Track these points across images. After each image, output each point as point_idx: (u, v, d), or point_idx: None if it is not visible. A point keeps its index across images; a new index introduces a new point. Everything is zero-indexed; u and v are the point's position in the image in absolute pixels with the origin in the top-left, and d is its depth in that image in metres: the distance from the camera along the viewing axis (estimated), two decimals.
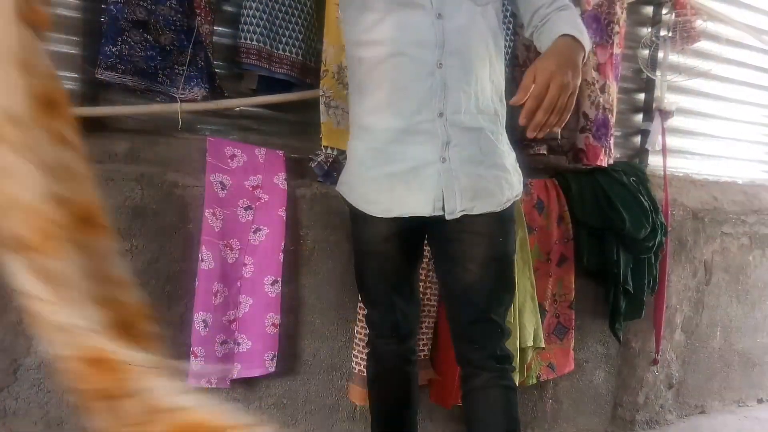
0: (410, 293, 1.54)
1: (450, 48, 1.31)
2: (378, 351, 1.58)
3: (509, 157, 1.45)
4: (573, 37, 1.24)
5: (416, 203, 1.34)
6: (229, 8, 1.80)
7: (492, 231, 1.37)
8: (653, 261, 2.37)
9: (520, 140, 2.19)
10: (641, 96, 2.74)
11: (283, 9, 1.73)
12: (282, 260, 1.71)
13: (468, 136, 1.34)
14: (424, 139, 1.33)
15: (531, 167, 2.35)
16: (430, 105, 1.32)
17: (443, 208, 1.33)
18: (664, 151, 2.57)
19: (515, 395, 1.40)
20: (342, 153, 1.80)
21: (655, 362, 2.59)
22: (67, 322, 0.60)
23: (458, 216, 1.33)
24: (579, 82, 1.22)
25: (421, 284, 1.90)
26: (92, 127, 1.68)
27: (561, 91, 1.17)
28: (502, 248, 1.39)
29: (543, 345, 2.04)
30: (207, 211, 1.62)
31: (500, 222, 1.38)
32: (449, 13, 1.31)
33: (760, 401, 3.12)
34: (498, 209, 1.36)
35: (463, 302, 1.40)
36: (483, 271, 1.36)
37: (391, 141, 1.35)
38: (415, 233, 1.45)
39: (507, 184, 1.40)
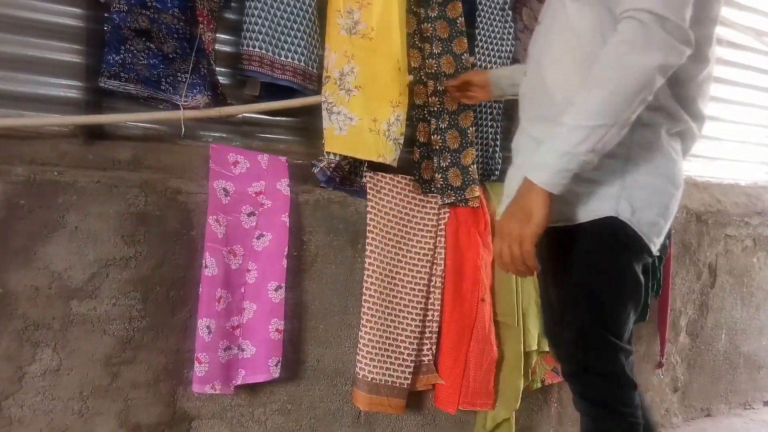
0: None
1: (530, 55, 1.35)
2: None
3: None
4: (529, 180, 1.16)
5: None
6: (231, 16, 1.81)
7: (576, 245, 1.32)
8: (657, 264, 2.37)
9: None
10: None
11: (285, 16, 1.74)
12: (285, 266, 1.71)
13: (534, 144, 1.28)
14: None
15: None
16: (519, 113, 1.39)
17: None
18: None
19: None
20: (344, 159, 1.81)
21: (660, 365, 2.58)
22: None
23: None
24: (527, 231, 1.15)
25: (425, 289, 1.91)
26: (95, 134, 1.69)
27: (502, 260, 1.20)
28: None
29: (547, 349, 2.03)
30: (210, 217, 1.63)
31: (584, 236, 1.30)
32: (542, 17, 1.34)
33: (766, 404, 3.10)
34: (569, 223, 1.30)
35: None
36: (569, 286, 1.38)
37: None
38: None
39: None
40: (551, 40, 1.31)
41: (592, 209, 1.26)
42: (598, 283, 1.29)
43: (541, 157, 1.15)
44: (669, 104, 1.25)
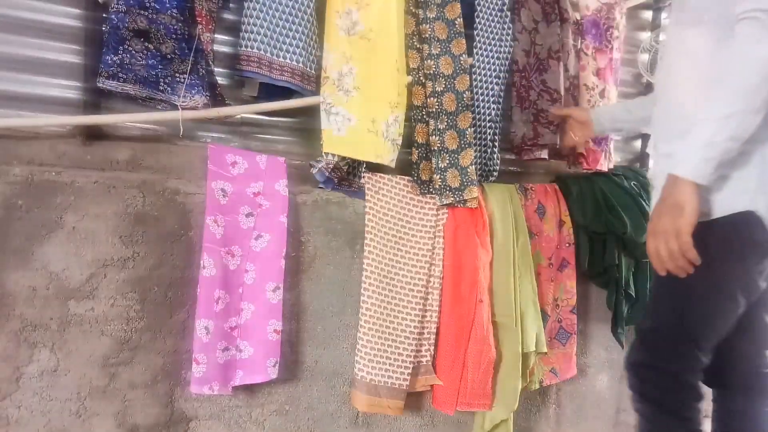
0: None
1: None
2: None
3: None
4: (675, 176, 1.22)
5: None
6: (229, 16, 1.81)
7: None
8: None
9: (520, 145, 2.20)
10: None
11: (284, 17, 1.74)
12: (283, 267, 1.71)
13: (664, 162, 1.36)
14: None
15: (531, 172, 2.36)
16: None
17: None
18: None
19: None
20: (343, 159, 1.81)
21: None
22: None
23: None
24: (681, 222, 1.19)
25: (423, 290, 1.91)
26: (94, 135, 1.69)
27: (660, 258, 1.22)
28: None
29: (545, 350, 2.04)
30: (208, 218, 1.62)
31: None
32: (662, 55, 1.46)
33: None
34: None
35: None
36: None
37: None
38: None
39: None
40: (673, 67, 1.41)
41: (727, 204, 1.27)
42: (710, 282, 1.27)
43: (683, 152, 1.21)
44: None
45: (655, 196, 1.36)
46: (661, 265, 1.22)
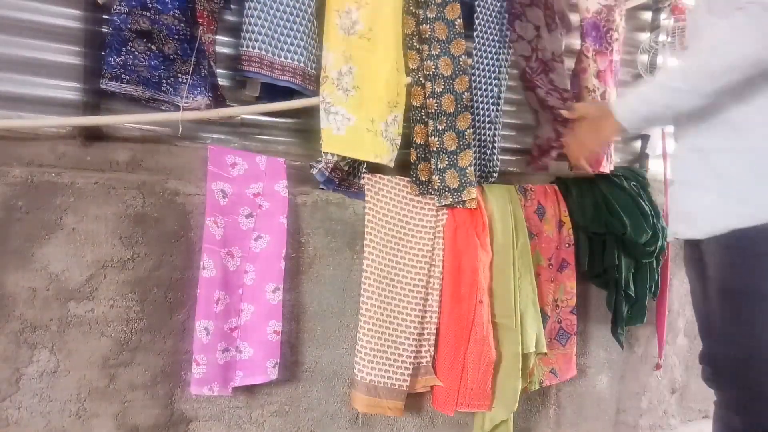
0: None
1: None
2: None
3: (726, 179, 1.31)
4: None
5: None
6: (231, 17, 1.82)
7: (718, 260, 1.33)
8: (655, 266, 2.37)
9: (546, 147, 2.20)
10: None
11: (285, 17, 1.74)
12: (283, 267, 1.71)
13: (695, 156, 1.38)
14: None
15: (531, 173, 2.36)
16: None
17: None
18: (665, 155, 2.57)
19: None
20: (343, 159, 1.81)
21: (658, 367, 2.58)
22: None
23: (671, 240, 1.48)
24: (594, 139, 1.57)
25: (423, 290, 1.91)
26: (93, 136, 1.69)
27: (575, 150, 1.67)
28: (725, 282, 1.32)
29: (545, 350, 2.03)
30: (208, 219, 1.62)
31: (724, 249, 1.31)
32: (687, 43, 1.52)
33: None
34: (700, 236, 1.35)
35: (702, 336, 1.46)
36: (712, 303, 1.36)
37: None
38: None
39: (713, 209, 1.32)
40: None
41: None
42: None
43: (628, 96, 1.42)
44: None
45: (677, 192, 1.45)
46: (576, 153, 1.61)
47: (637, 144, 2.76)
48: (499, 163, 2.17)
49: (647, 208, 2.25)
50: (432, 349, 1.94)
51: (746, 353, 1.28)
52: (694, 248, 1.45)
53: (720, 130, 1.32)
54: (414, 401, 2.00)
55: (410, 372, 1.87)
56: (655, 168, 2.70)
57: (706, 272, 1.38)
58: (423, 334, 1.93)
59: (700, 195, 1.35)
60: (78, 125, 1.65)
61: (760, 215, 1.25)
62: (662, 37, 2.60)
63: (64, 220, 1.52)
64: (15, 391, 1.50)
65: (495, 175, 2.15)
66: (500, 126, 2.16)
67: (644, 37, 2.66)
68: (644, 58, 2.65)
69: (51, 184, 1.52)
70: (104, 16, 1.63)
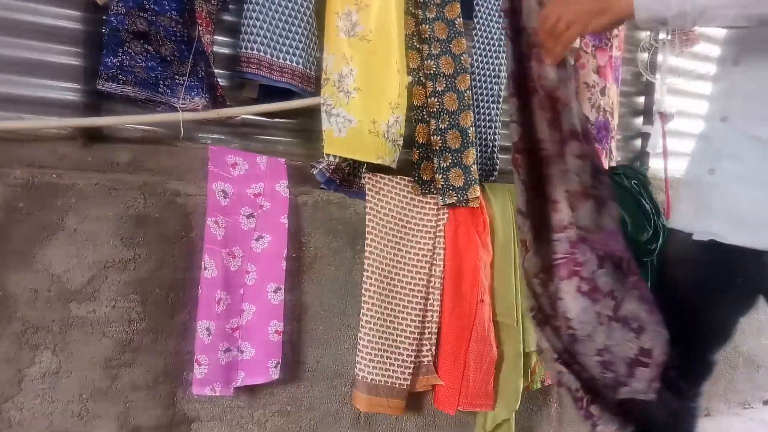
0: None
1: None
2: None
3: None
4: None
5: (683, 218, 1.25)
6: (229, 18, 1.81)
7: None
8: (656, 264, 2.37)
9: None
10: (641, 99, 2.74)
11: (284, 18, 1.74)
12: (284, 267, 1.71)
13: (753, 147, 1.15)
14: (700, 149, 1.24)
15: None
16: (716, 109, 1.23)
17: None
18: (665, 153, 2.57)
19: None
20: (344, 160, 1.81)
21: None
22: None
23: (707, 239, 1.20)
24: (596, 17, 1.15)
25: (424, 289, 1.91)
26: (94, 137, 1.69)
27: (545, 24, 1.19)
28: None
29: None
30: (209, 219, 1.63)
31: None
32: None
33: (765, 403, 3.10)
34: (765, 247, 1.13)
35: None
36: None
37: None
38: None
39: None
40: None
41: None
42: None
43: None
44: None
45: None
46: (547, 27, 1.17)
47: (638, 142, 2.76)
48: (499, 161, 2.17)
49: (648, 207, 2.25)
50: (433, 348, 1.95)
51: None
52: (729, 254, 1.20)
53: None
54: (415, 400, 2.00)
55: (411, 371, 1.87)
56: (655, 166, 2.70)
57: (742, 281, 1.23)
58: (424, 334, 1.93)
59: (765, 197, 1.14)
60: (78, 126, 1.65)
61: None
62: (662, 35, 2.60)
63: (65, 221, 1.53)
64: (17, 393, 1.51)
65: (495, 173, 2.16)
66: (500, 125, 2.16)
67: (644, 35, 2.65)
68: (644, 56, 2.64)
69: (52, 186, 1.52)
70: (104, 17, 1.63)
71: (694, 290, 1.31)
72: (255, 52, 1.72)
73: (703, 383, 1.43)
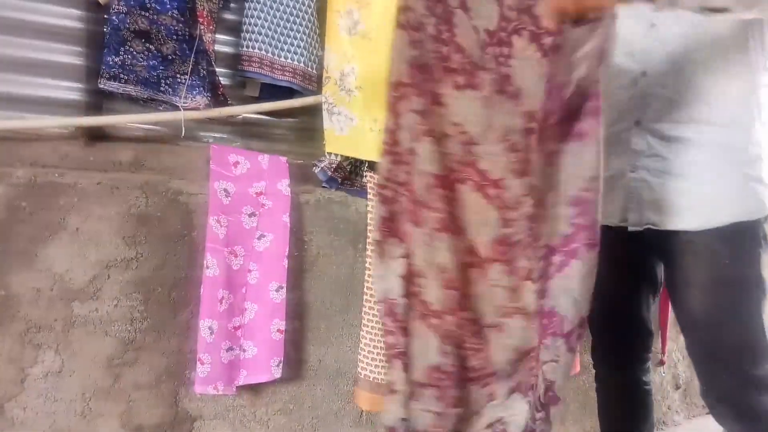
0: None
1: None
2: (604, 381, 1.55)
3: (733, 173, 1.28)
4: None
5: (606, 213, 1.27)
6: (230, 17, 1.82)
7: (715, 250, 1.27)
8: None
9: None
10: None
11: (285, 17, 1.74)
12: (286, 266, 1.71)
13: (668, 146, 1.29)
14: (618, 149, 1.32)
15: None
16: (629, 114, 1.33)
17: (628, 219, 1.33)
18: None
19: None
20: (346, 159, 1.81)
21: (661, 363, 2.58)
22: None
23: (642, 229, 1.32)
24: None
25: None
26: (96, 136, 1.69)
27: None
28: (727, 271, 1.27)
29: None
30: (211, 218, 1.63)
31: (724, 241, 1.26)
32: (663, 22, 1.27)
33: None
34: (706, 226, 1.26)
35: (688, 331, 1.35)
36: (706, 296, 1.29)
37: None
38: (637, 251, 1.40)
39: (717, 201, 1.28)
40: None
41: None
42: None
43: None
44: None
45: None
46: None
47: None
48: None
49: None
50: None
51: (740, 340, 1.28)
52: (663, 239, 1.33)
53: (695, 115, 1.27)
54: None
55: None
56: None
57: (680, 262, 1.34)
58: None
59: (687, 186, 1.28)
60: (80, 125, 1.65)
61: (755, 211, 1.28)
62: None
63: (67, 221, 1.53)
64: (20, 392, 1.51)
65: None
66: None
67: None
68: None
69: (54, 185, 1.52)
70: (106, 16, 1.63)
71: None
72: (256, 50, 1.72)
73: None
